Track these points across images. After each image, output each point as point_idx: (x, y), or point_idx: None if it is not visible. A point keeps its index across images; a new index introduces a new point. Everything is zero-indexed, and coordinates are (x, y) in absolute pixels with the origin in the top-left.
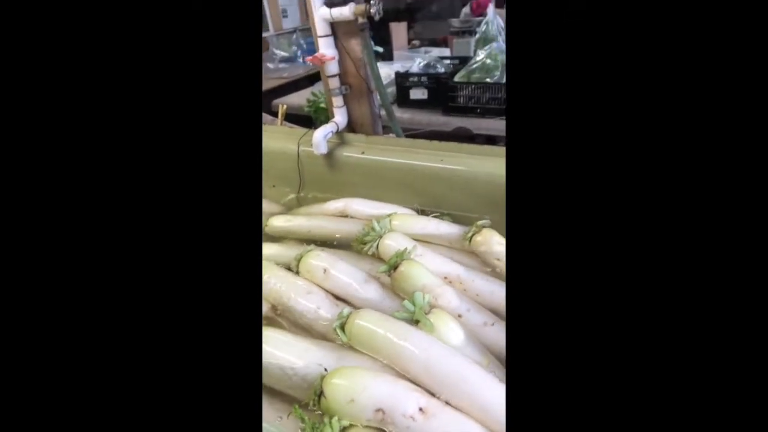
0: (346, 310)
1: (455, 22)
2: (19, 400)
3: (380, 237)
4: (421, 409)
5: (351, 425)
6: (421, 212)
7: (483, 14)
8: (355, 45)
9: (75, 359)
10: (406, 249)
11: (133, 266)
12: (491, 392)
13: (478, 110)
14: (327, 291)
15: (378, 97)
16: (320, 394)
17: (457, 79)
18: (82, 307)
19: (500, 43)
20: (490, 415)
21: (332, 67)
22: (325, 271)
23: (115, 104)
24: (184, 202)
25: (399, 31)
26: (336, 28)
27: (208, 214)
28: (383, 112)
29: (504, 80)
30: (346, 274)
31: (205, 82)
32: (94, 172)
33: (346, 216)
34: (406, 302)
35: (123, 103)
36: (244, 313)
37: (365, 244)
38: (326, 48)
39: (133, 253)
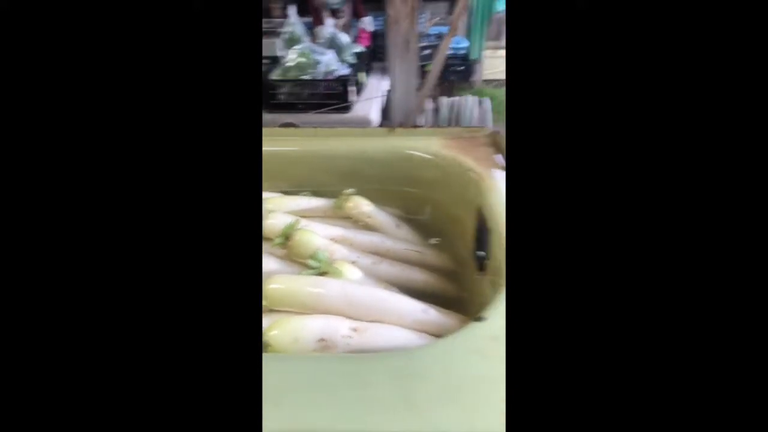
0: None
1: None
2: (18, 400)
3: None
4: (354, 329)
5: None
6: (288, 194)
7: None
8: None
9: (64, 346)
10: (297, 220)
11: (130, 268)
12: (402, 303)
13: (300, 106)
14: None
15: None
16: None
17: (273, 77)
18: (69, 289)
19: (307, 43)
20: (406, 319)
21: None
22: None
23: (111, 91)
24: (187, 194)
25: None
26: None
27: (205, 205)
28: None
29: (320, 77)
30: None
31: (204, 79)
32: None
33: None
34: (310, 260)
35: (120, 94)
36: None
37: None
38: None
39: (129, 254)
